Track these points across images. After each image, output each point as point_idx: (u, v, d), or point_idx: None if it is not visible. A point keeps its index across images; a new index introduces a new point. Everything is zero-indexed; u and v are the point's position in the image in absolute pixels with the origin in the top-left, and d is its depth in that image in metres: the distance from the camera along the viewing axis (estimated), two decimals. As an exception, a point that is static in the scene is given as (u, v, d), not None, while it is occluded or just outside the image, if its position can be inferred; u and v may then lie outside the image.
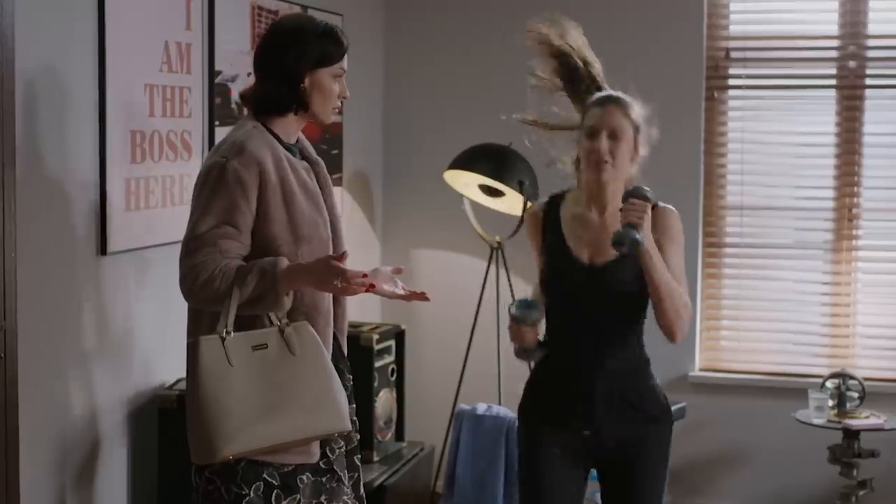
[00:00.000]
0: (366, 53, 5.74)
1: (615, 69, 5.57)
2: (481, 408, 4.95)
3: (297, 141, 3.22)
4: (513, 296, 5.42)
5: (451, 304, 5.80)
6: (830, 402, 5.17)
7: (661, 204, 3.53)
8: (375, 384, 5.01)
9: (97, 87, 3.72)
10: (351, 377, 3.28)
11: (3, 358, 3.23)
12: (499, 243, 5.53)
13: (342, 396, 3.03)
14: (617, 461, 3.52)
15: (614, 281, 3.45)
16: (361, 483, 3.27)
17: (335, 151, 5.43)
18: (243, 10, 4.51)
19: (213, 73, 4.32)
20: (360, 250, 5.74)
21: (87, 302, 3.73)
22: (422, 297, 3.11)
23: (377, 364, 5.03)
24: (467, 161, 5.35)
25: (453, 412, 5.31)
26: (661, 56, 5.61)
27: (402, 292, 3.12)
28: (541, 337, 3.50)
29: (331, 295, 3.11)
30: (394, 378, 5.19)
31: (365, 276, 2.93)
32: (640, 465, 3.52)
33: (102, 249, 3.76)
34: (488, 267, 5.55)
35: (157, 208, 3.98)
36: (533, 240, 3.61)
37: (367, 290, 2.95)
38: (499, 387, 5.50)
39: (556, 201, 3.60)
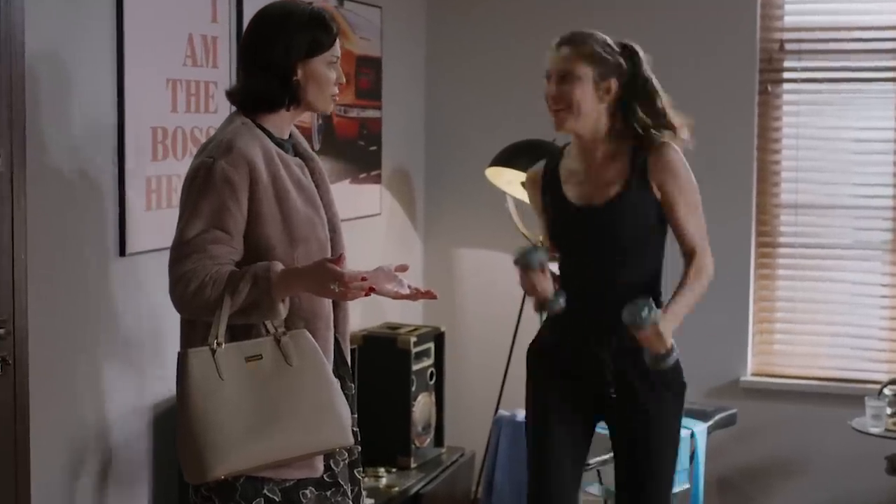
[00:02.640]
0: (407, 46, 5.61)
1: (664, 63, 5.45)
2: (522, 414, 4.78)
3: (290, 136, 3.06)
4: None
5: (494, 305, 5.69)
6: (889, 410, 4.96)
7: (654, 144, 3.46)
8: (413, 388, 4.92)
9: (115, 81, 3.60)
10: (353, 385, 3.14)
11: (12, 364, 3.12)
12: (542, 242, 5.34)
13: (344, 409, 2.88)
14: (626, 423, 3.51)
15: (614, 221, 3.39)
16: (363, 498, 3.12)
17: (373, 148, 5.29)
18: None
19: (241, 67, 4.18)
20: (402, 249, 5.62)
21: (106, 305, 3.61)
22: (429, 295, 2.92)
23: (415, 367, 4.94)
24: (510, 158, 5.19)
25: (496, 415, 5.16)
26: (713, 49, 5.44)
27: (406, 292, 2.91)
28: (555, 287, 3.44)
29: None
30: (433, 382, 5.10)
31: (364, 278, 2.76)
32: (650, 430, 3.49)
33: (122, 250, 3.65)
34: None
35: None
36: (532, 202, 3.61)
37: (367, 294, 2.78)
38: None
39: (556, 159, 3.57)
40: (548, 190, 3.54)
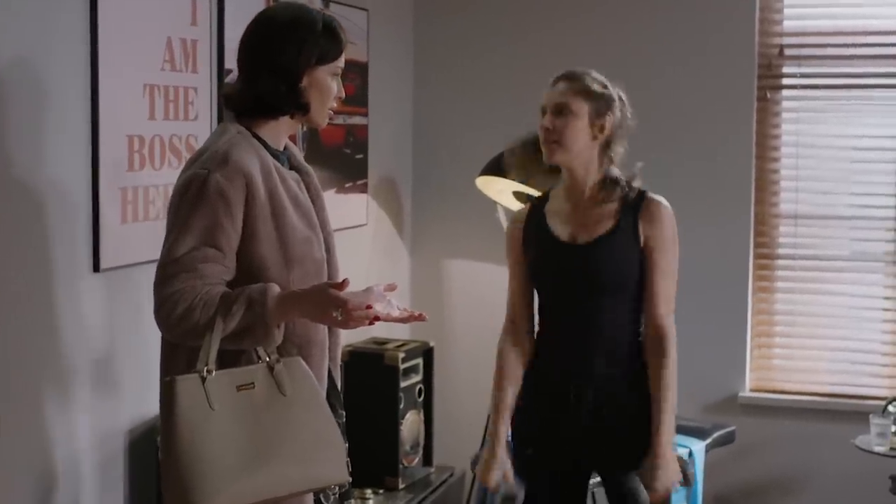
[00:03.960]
0: (394, 50, 5.44)
1: (660, 68, 5.33)
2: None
3: (286, 148, 2.89)
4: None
5: (485, 319, 5.47)
6: (894, 428, 4.84)
7: (649, 194, 3.47)
8: (401, 406, 4.81)
9: (89, 87, 3.41)
10: (343, 412, 2.97)
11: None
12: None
13: (340, 443, 2.70)
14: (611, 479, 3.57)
15: (599, 259, 3.40)
16: None
17: (360, 156, 5.12)
18: (257, 3, 4.17)
19: (222, 72, 4.00)
20: (388, 261, 5.46)
21: (77, 324, 3.42)
22: (419, 318, 2.77)
23: (403, 384, 4.82)
24: (500, 166, 5.02)
25: (486, 434, 5.00)
26: (709, 53, 5.29)
27: (397, 314, 2.75)
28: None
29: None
30: (421, 399, 4.98)
31: (369, 306, 2.58)
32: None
33: (95, 266, 3.46)
34: (523, 279, 5.21)
35: (158, 220, 3.65)
36: (510, 251, 3.62)
37: (371, 323, 2.61)
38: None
39: (542, 199, 3.60)
40: (532, 226, 3.53)
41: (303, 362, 2.68)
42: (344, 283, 2.59)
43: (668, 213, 3.47)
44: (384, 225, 5.45)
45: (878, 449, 4.79)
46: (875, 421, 4.81)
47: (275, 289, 2.61)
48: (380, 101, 5.26)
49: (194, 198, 2.64)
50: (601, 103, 3.43)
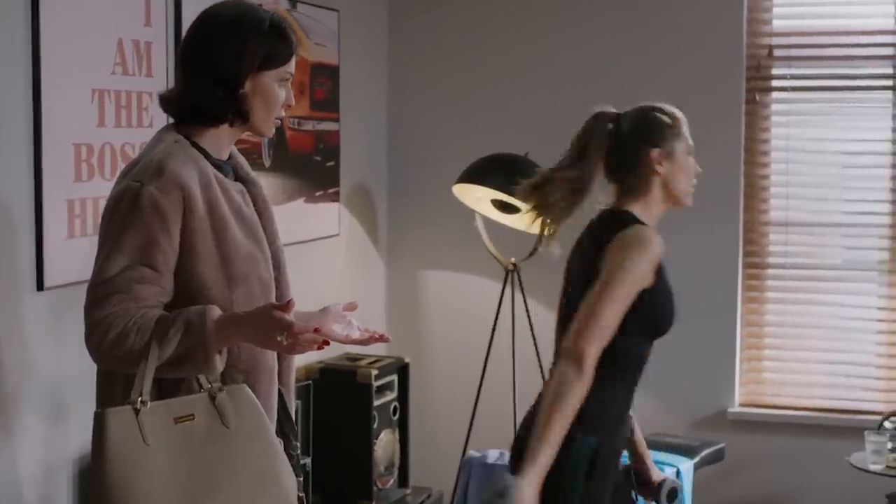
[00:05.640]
0: (366, 52, 5.26)
1: (646, 68, 5.14)
2: (492, 455, 4.43)
3: (230, 157, 2.68)
4: (530, 322, 4.92)
5: (463, 333, 5.37)
6: (890, 445, 4.67)
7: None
8: (375, 425, 4.65)
9: (31, 92, 3.22)
10: (297, 444, 2.77)
11: None
12: (514, 265, 5.00)
13: (290, 478, 2.49)
14: None
15: None
16: None
17: (331, 163, 4.92)
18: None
19: (179, 76, 3.79)
20: (363, 273, 5.26)
21: (20, 346, 3.22)
22: (382, 339, 2.58)
23: (377, 402, 4.65)
24: (479, 173, 4.86)
25: (464, 454, 4.81)
26: (697, 54, 5.13)
27: (357, 335, 2.56)
28: None
29: None
30: (396, 417, 4.82)
31: (318, 329, 2.37)
32: None
33: (39, 284, 3.27)
34: (503, 291, 5.02)
35: (108, 234, 3.45)
36: (649, 276, 3.01)
37: (320, 348, 2.40)
38: (514, 426, 4.98)
39: None
40: (661, 269, 3.09)
41: (248, 390, 2.47)
42: (289, 305, 2.37)
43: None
44: (358, 235, 5.25)
45: (873, 467, 4.65)
46: (870, 438, 4.67)
47: (215, 311, 2.40)
48: (352, 106, 5.06)
49: (127, 213, 2.43)
50: None
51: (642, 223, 3.04)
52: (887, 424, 4.73)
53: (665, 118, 3.13)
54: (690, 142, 3.16)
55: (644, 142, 3.09)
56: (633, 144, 3.09)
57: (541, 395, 2.99)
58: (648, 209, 3.09)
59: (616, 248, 2.97)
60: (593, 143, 3.09)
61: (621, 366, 3.03)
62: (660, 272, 3.02)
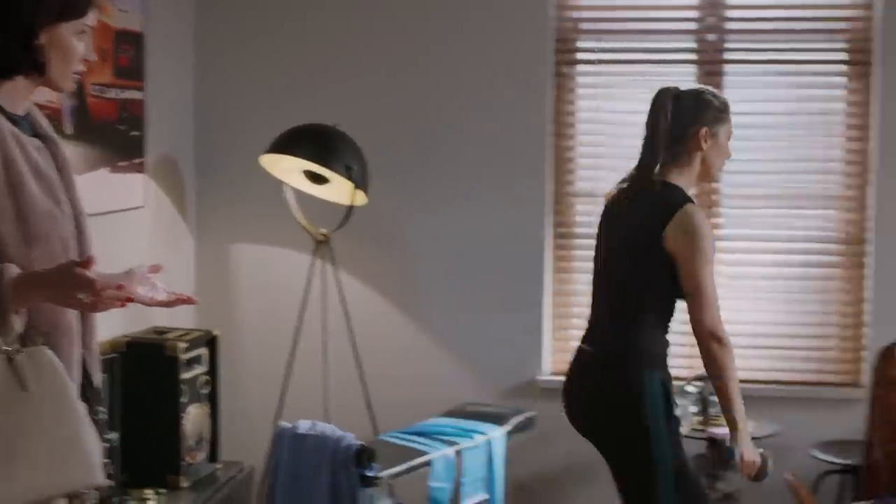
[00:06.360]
0: (173, 20, 5.13)
1: (454, 41, 5.15)
2: (304, 426, 4.36)
3: (28, 113, 2.58)
4: (341, 292, 4.88)
5: (273, 306, 5.30)
6: (694, 409, 4.76)
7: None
8: (184, 399, 4.51)
9: None
10: (102, 409, 2.71)
11: None
12: (325, 235, 4.95)
13: (94, 443, 2.42)
14: None
15: None
16: None
17: (135, 133, 4.78)
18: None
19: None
20: (170, 246, 5.14)
21: None
22: (189, 301, 2.54)
23: (185, 376, 4.53)
24: (288, 143, 4.80)
25: (276, 429, 4.75)
26: (506, 27, 5.15)
27: (162, 297, 2.50)
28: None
29: None
30: (206, 391, 4.69)
31: (121, 286, 2.30)
32: None
33: None
34: (313, 262, 4.97)
35: None
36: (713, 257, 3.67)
37: (123, 305, 2.33)
38: (325, 399, 4.95)
39: None
40: None
41: (50, 353, 2.38)
42: (89, 261, 2.29)
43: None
44: (165, 207, 5.12)
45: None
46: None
47: (12, 269, 2.31)
48: (157, 75, 4.92)
49: None
50: None
51: (692, 200, 3.60)
52: (689, 388, 4.85)
53: (717, 102, 3.69)
54: (732, 129, 3.73)
55: (696, 119, 3.64)
56: (688, 118, 3.65)
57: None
58: (686, 179, 3.69)
59: (689, 229, 3.55)
60: (661, 113, 3.69)
61: (670, 316, 3.74)
62: None
